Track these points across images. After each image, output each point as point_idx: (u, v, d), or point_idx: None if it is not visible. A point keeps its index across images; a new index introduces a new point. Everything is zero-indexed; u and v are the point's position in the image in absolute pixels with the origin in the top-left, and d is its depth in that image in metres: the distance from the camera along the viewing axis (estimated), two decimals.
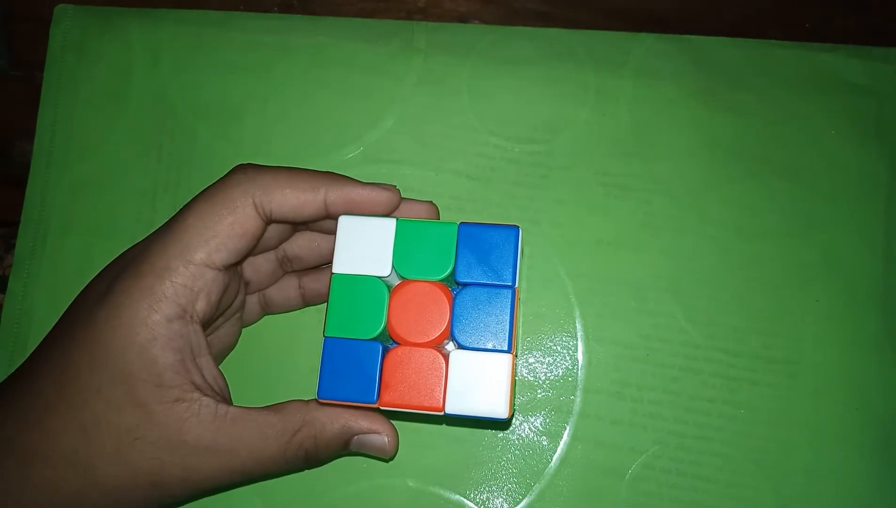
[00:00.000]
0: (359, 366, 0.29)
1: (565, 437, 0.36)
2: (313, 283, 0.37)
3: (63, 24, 0.42)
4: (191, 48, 0.41)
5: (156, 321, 0.28)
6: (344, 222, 0.31)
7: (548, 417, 0.37)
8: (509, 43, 0.41)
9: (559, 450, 0.36)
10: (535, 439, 0.36)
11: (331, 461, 0.33)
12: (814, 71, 0.40)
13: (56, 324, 0.31)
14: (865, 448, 0.36)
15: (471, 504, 0.36)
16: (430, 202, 0.34)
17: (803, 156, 0.39)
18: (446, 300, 0.30)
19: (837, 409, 0.36)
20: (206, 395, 0.29)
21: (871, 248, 0.38)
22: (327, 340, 0.30)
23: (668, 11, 0.43)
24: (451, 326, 0.29)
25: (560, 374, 0.37)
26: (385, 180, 0.39)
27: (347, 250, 0.30)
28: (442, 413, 0.29)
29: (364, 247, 0.30)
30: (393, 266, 0.30)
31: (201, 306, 0.29)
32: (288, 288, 0.37)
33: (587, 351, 0.37)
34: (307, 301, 0.37)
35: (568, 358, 0.37)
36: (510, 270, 0.30)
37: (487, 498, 0.36)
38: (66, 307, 0.32)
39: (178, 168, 0.40)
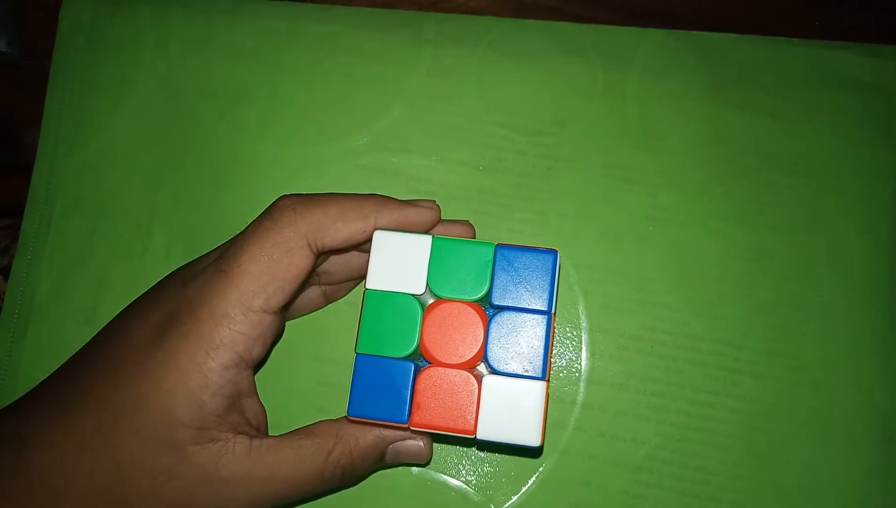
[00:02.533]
0: (390, 385, 0.29)
1: (568, 427, 0.36)
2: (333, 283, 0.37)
3: (73, 7, 0.42)
4: (200, 33, 0.41)
5: (211, 368, 0.28)
6: (379, 237, 0.30)
7: (551, 407, 0.36)
8: (518, 36, 0.41)
9: (562, 440, 0.36)
10: None
11: (367, 476, 0.33)
12: (822, 68, 0.40)
13: (93, 353, 0.31)
14: (867, 443, 0.36)
15: (472, 492, 0.36)
16: (467, 222, 0.34)
17: (810, 152, 0.39)
18: (481, 322, 0.29)
19: (840, 403, 0.36)
20: (239, 433, 0.29)
21: (877, 244, 0.38)
22: (359, 357, 0.29)
23: (677, 7, 0.43)
24: (485, 349, 0.29)
25: (564, 365, 0.37)
26: (393, 170, 0.39)
27: (382, 266, 0.30)
28: (473, 437, 0.29)
29: (399, 264, 0.30)
30: (427, 285, 0.30)
31: (258, 351, 0.29)
32: (311, 297, 0.37)
33: (591, 342, 0.37)
34: (329, 300, 0.38)
35: (572, 349, 0.37)
36: (547, 295, 0.29)
37: (489, 486, 0.36)
38: (103, 333, 0.31)
39: (185, 152, 0.40)
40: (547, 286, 0.29)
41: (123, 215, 0.40)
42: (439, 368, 0.29)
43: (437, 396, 0.29)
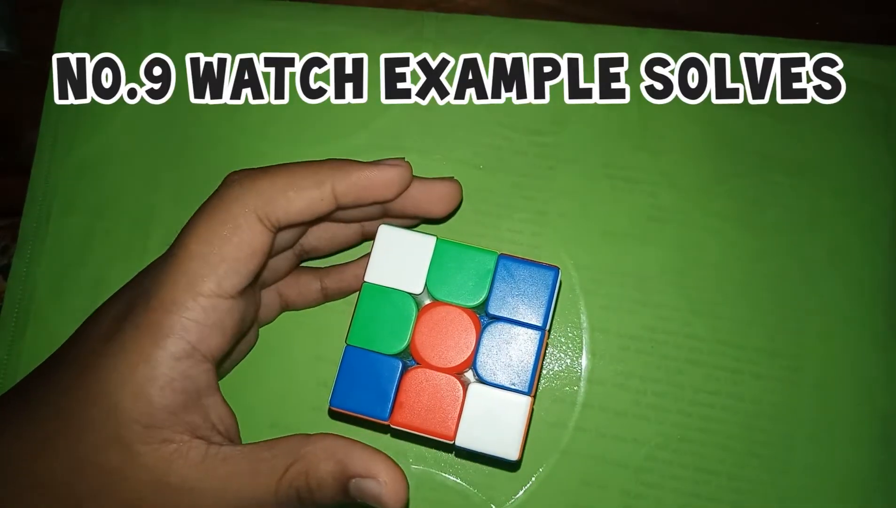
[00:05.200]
0: (376, 380, 0.29)
1: (569, 427, 0.36)
2: (335, 283, 0.36)
3: (74, 7, 0.42)
4: (200, 34, 0.41)
5: (159, 359, 0.26)
6: (384, 231, 0.30)
7: (551, 407, 0.36)
8: (518, 35, 0.41)
9: (562, 440, 0.36)
10: (539, 428, 0.36)
11: (334, 506, 0.30)
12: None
13: (62, 349, 0.30)
14: (868, 443, 0.36)
15: (472, 492, 0.36)
16: (453, 178, 0.32)
17: (810, 152, 0.39)
18: (474, 329, 0.29)
19: (840, 403, 0.36)
20: (198, 437, 0.27)
21: (877, 244, 0.38)
22: (348, 348, 0.29)
23: (677, 7, 0.43)
24: (475, 356, 0.29)
25: (564, 365, 0.37)
26: None
27: (383, 260, 0.30)
28: (452, 443, 0.28)
29: (400, 261, 0.30)
30: (426, 285, 0.30)
31: (216, 341, 0.27)
32: (309, 291, 0.36)
33: (591, 342, 0.37)
34: (328, 299, 0.37)
35: (572, 349, 0.37)
36: (543, 311, 0.29)
37: (489, 484, 0.36)
38: (74, 333, 0.31)
39: (183, 152, 0.40)
40: (544, 302, 0.29)
41: (122, 215, 0.40)
42: (427, 370, 0.29)
43: (421, 397, 0.29)
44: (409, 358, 0.30)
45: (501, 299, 0.29)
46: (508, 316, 0.29)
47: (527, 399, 0.29)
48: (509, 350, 0.29)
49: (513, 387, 0.29)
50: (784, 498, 0.35)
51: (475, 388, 0.29)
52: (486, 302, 0.30)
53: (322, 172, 0.29)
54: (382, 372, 0.29)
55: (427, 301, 0.30)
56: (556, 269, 0.30)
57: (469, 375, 0.30)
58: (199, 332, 0.27)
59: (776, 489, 0.35)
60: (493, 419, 0.28)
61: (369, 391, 0.29)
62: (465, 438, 0.28)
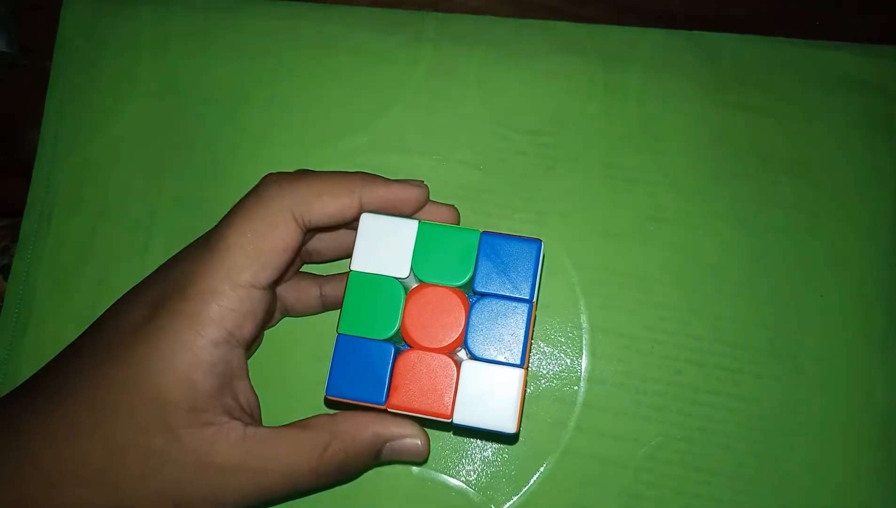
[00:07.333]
0: (370, 366, 0.29)
1: (569, 427, 0.36)
2: (334, 291, 0.37)
3: (73, 7, 0.42)
4: (200, 33, 0.41)
5: (201, 345, 0.28)
6: (366, 220, 0.30)
7: (551, 407, 0.36)
8: (519, 35, 0.41)
9: (562, 440, 0.36)
10: (539, 429, 0.36)
11: (363, 472, 0.33)
12: (822, 68, 0.40)
13: (86, 340, 0.31)
14: (867, 443, 0.36)
15: (472, 492, 0.36)
16: (452, 206, 0.34)
17: (810, 152, 0.39)
18: (462, 308, 0.29)
19: (840, 403, 0.36)
20: (234, 418, 0.28)
21: (877, 244, 0.38)
22: (340, 337, 0.29)
23: (677, 7, 0.43)
24: (466, 334, 0.29)
25: (564, 365, 0.37)
26: (393, 169, 0.39)
27: (367, 248, 0.30)
28: (449, 421, 0.29)
29: (384, 247, 0.30)
30: (411, 269, 0.30)
31: (248, 328, 0.29)
32: (309, 297, 0.37)
33: (591, 342, 0.37)
34: (327, 307, 0.37)
35: (572, 349, 0.37)
36: (529, 284, 0.29)
37: (490, 486, 0.36)
38: (96, 322, 0.31)
39: (185, 152, 0.40)
40: (530, 275, 0.29)
41: (123, 215, 0.40)
42: (419, 351, 0.29)
43: (415, 379, 0.29)
44: (400, 342, 0.30)
45: (487, 276, 0.30)
46: (495, 292, 0.29)
47: (520, 372, 0.29)
48: (499, 325, 0.29)
49: (505, 361, 0.29)
50: (783, 498, 0.35)
51: (468, 365, 0.29)
52: (472, 280, 0.30)
53: (353, 183, 0.31)
54: (375, 357, 0.29)
55: (414, 284, 0.30)
56: (538, 241, 0.30)
57: (461, 353, 0.30)
58: (235, 319, 0.28)
59: (776, 489, 0.35)
60: (488, 395, 0.29)
61: (364, 377, 0.29)
62: (463, 415, 0.29)
